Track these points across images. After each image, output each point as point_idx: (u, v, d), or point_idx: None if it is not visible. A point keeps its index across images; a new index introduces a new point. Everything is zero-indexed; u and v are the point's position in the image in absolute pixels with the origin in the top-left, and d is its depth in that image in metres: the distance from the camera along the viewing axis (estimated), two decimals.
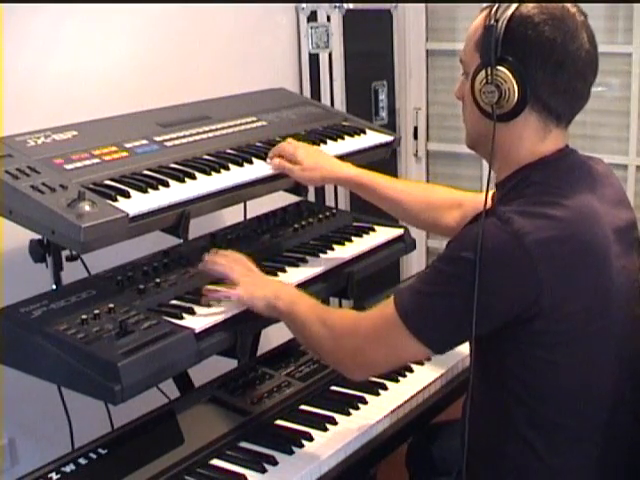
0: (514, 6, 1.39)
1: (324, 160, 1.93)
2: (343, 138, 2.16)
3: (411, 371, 1.88)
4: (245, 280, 1.67)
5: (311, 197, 2.50)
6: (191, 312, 1.61)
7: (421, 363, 1.90)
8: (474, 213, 1.77)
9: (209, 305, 1.63)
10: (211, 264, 1.72)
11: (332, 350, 1.57)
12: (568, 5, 1.41)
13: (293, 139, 1.98)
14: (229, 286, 1.66)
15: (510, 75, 1.39)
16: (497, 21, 1.39)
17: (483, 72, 1.41)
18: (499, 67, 1.39)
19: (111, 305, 1.57)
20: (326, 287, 1.89)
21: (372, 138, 2.23)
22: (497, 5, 1.41)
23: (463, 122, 1.55)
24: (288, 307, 1.62)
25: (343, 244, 2.02)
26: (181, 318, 1.58)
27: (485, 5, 1.46)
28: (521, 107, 1.41)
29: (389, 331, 1.44)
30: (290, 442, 1.59)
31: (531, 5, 1.39)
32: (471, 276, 1.32)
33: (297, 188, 2.03)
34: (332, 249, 1.98)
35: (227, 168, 1.82)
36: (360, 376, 1.59)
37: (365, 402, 1.75)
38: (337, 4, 2.91)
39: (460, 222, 1.88)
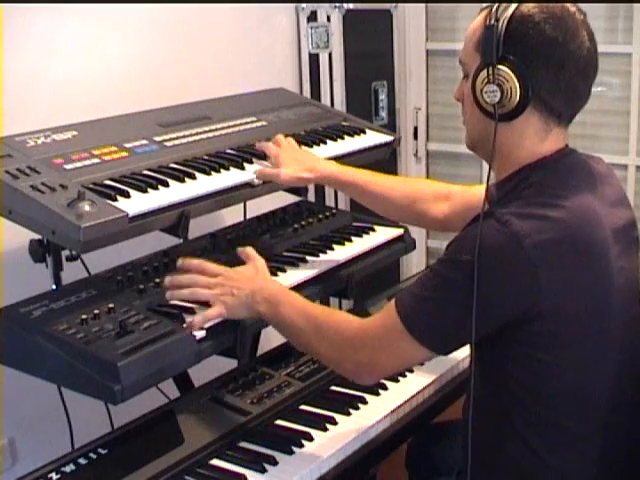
0: (514, 6, 1.39)
1: (304, 159, 1.92)
2: (343, 138, 2.16)
3: (411, 371, 1.87)
4: (216, 293, 1.62)
5: (311, 197, 2.50)
6: (191, 312, 1.61)
7: (421, 363, 1.90)
8: (463, 206, 1.78)
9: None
10: (174, 295, 1.63)
11: (337, 362, 1.56)
12: (568, 4, 1.41)
13: (282, 136, 1.96)
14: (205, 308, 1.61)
15: (512, 74, 1.38)
16: (497, 20, 1.39)
17: (484, 72, 1.41)
18: (500, 66, 1.39)
19: (111, 305, 1.57)
20: (326, 287, 1.89)
21: (372, 138, 2.23)
22: (497, 5, 1.41)
23: (463, 124, 1.55)
24: (271, 310, 1.60)
25: (343, 244, 2.02)
26: (181, 318, 1.58)
27: (484, 6, 1.46)
28: (523, 106, 1.40)
29: (393, 338, 1.43)
30: (290, 442, 1.59)
31: (531, 5, 1.39)
32: (470, 279, 1.32)
33: (297, 188, 2.03)
34: (332, 249, 1.98)
35: (227, 168, 1.82)
36: (370, 382, 1.59)
37: (365, 402, 1.75)
38: (337, 4, 2.91)
39: (448, 214, 1.87)
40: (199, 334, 1.56)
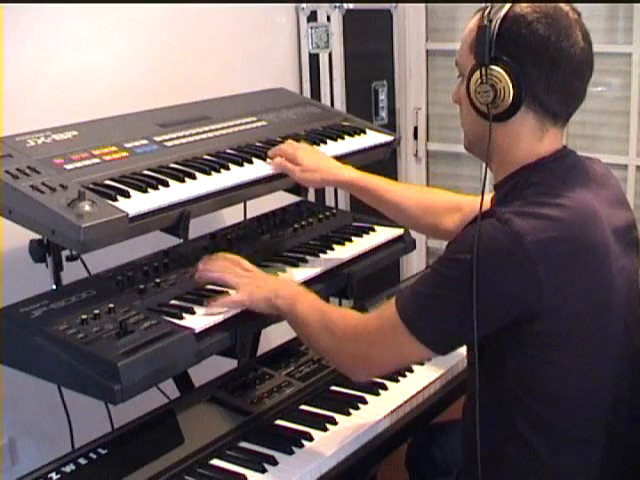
0: (507, 6, 1.40)
1: (324, 162, 1.93)
2: (343, 138, 2.16)
3: (411, 371, 1.88)
4: (243, 282, 1.66)
5: (311, 197, 2.50)
6: (191, 312, 1.61)
7: (421, 363, 1.90)
8: (473, 216, 1.78)
9: (209, 305, 1.63)
10: (204, 274, 1.70)
11: (335, 354, 1.57)
12: (561, 4, 1.41)
13: (293, 140, 1.98)
14: (228, 292, 1.66)
15: (505, 74, 1.39)
16: (490, 21, 1.39)
17: (478, 72, 1.41)
18: (493, 67, 1.39)
19: (111, 305, 1.57)
20: (326, 287, 1.89)
21: (372, 138, 2.22)
22: (490, 6, 1.41)
23: (461, 125, 1.55)
24: (289, 306, 1.62)
25: (343, 244, 2.02)
26: (181, 318, 1.58)
27: (479, 7, 1.46)
28: (517, 106, 1.41)
29: (391, 334, 1.44)
30: (290, 442, 1.59)
31: (524, 4, 1.40)
32: (470, 277, 1.32)
33: (297, 188, 2.03)
34: (332, 249, 1.98)
35: (227, 168, 1.82)
36: (364, 378, 1.59)
37: (365, 402, 1.75)
38: (337, 4, 2.91)
39: (460, 226, 1.87)
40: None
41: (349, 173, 1.93)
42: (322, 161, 1.93)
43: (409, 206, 1.92)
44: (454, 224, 1.89)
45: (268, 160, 1.90)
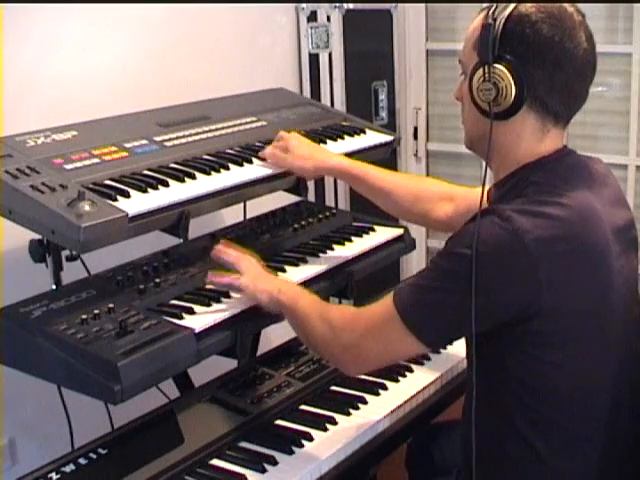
0: (512, 5, 1.40)
1: (316, 150, 1.95)
2: (343, 138, 2.16)
3: (411, 371, 1.88)
4: (251, 271, 1.69)
5: (311, 197, 2.50)
6: (191, 312, 1.61)
7: (421, 363, 1.90)
8: (466, 208, 1.79)
9: (209, 304, 1.63)
10: (221, 252, 1.74)
11: (329, 344, 1.57)
12: (566, 5, 1.42)
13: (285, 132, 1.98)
14: (235, 275, 1.68)
15: (507, 73, 1.39)
16: (495, 20, 1.39)
17: (481, 70, 1.42)
18: (496, 65, 1.40)
19: (111, 305, 1.57)
20: (326, 287, 1.89)
21: (372, 138, 2.23)
22: (495, 5, 1.41)
23: (462, 123, 1.55)
24: (290, 301, 1.63)
25: (343, 244, 2.02)
26: (181, 318, 1.58)
27: (484, 6, 1.46)
28: (518, 105, 1.41)
29: (386, 325, 1.44)
30: (290, 442, 1.59)
31: (529, 4, 1.40)
32: (469, 272, 1.32)
33: (297, 188, 2.03)
34: (332, 249, 1.98)
35: (227, 168, 1.82)
36: (355, 371, 1.60)
37: (365, 402, 1.75)
38: (337, 4, 2.91)
39: (452, 216, 1.88)
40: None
41: (341, 160, 1.94)
42: (314, 149, 1.95)
43: (400, 194, 1.92)
44: (445, 214, 1.89)
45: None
